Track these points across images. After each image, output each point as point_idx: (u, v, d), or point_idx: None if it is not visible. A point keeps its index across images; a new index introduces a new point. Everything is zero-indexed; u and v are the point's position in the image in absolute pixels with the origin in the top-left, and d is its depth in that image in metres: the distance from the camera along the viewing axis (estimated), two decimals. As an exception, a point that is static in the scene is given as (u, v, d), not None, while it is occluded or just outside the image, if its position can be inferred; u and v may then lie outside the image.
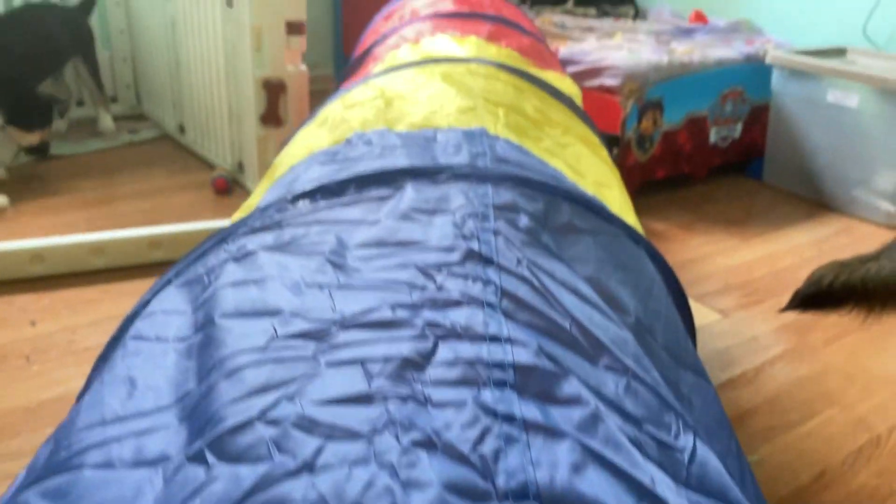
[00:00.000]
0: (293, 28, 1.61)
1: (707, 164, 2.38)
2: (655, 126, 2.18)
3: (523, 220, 0.70)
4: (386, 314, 0.55)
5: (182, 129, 2.45)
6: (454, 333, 0.53)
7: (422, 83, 1.11)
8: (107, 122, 2.53)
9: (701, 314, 1.57)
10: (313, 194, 0.75)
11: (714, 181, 2.40)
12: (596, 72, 2.13)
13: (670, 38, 2.47)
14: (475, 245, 0.64)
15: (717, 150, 2.38)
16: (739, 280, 1.76)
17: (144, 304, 0.69)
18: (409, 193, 0.74)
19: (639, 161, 2.18)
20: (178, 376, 0.53)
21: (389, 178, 0.77)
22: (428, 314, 0.55)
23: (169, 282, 0.70)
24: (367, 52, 1.52)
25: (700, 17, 2.74)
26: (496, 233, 0.66)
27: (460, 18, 1.52)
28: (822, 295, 1.06)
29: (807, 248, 1.95)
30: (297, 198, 0.75)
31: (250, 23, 1.58)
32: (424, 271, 0.60)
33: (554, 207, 0.76)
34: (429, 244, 0.65)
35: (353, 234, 0.67)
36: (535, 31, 1.75)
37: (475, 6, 1.62)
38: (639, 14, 2.92)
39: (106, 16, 2.62)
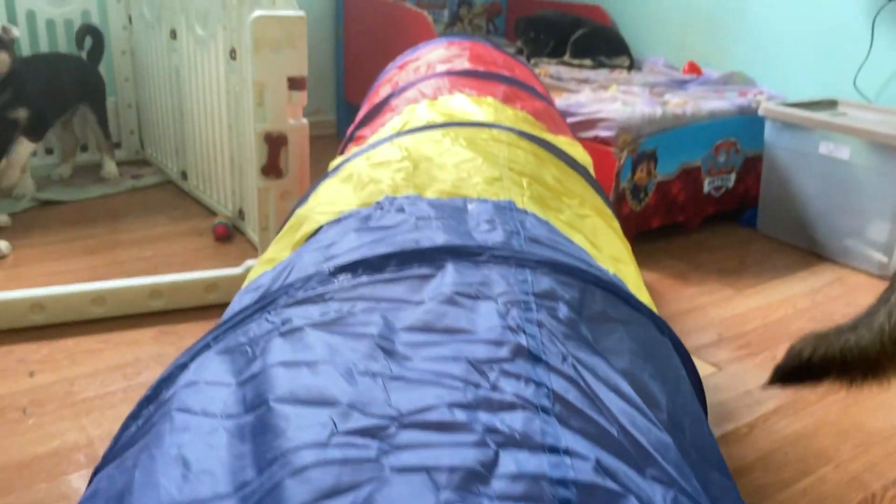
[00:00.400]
0: (295, 83, 1.64)
1: (701, 213, 2.41)
2: (650, 176, 2.21)
3: (563, 310, 0.70)
4: (444, 415, 0.55)
5: (185, 176, 2.49)
6: (513, 441, 0.53)
7: (447, 148, 1.13)
8: (111, 167, 2.57)
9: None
10: (355, 268, 0.75)
11: (708, 230, 2.42)
12: (591, 123, 2.17)
13: (664, 90, 2.52)
14: (523, 339, 0.64)
15: (711, 199, 2.41)
16: (733, 332, 1.78)
17: (181, 366, 0.69)
18: (451, 274, 0.74)
19: (633, 211, 2.21)
20: (233, 461, 0.53)
21: (430, 256, 0.76)
22: (484, 417, 0.55)
23: (208, 346, 0.70)
24: (385, 103, 1.54)
25: (694, 69, 2.79)
26: (540, 325, 0.67)
27: (476, 77, 1.53)
28: (802, 369, 1.07)
29: (800, 299, 1.97)
30: (338, 270, 0.75)
31: (252, 78, 1.62)
32: (476, 367, 0.60)
33: (588, 295, 0.76)
34: (477, 335, 0.65)
35: (398, 315, 0.67)
36: (546, 94, 1.78)
37: (490, 65, 1.64)
38: (634, 65, 2.98)
39: (112, 64, 2.68)
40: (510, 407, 0.56)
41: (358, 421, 0.54)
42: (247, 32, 1.62)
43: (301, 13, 1.63)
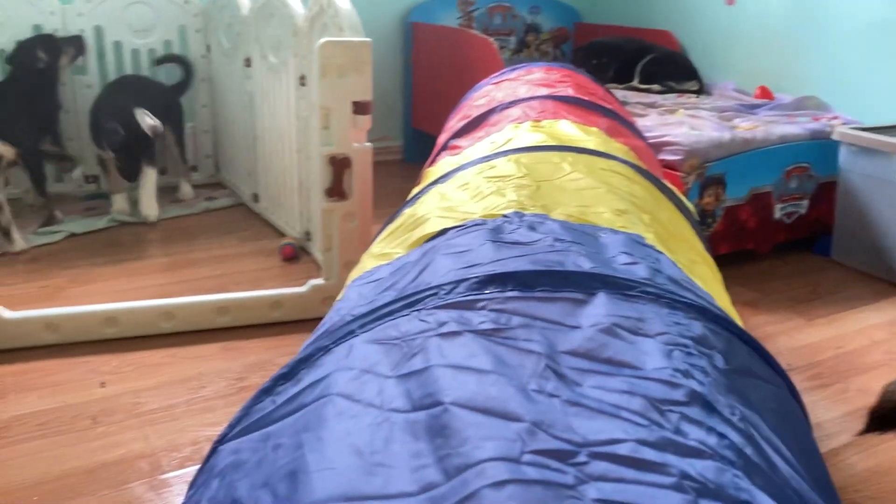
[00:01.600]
0: (360, 108, 1.68)
1: (771, 239, 2.33)
2: (718, 201, 2.17)
3: (719, 360, 0.68)
4: (634, 451, 0.53)
5: (256, 198, 2.57)
6: (708, 491, 0.51)
7: (566, 172, 1.11)
8: (187, 189, 2.68)
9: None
10: (504, 281, 0.74)
11: (779, 257, 2.35)
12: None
13: (734, 115, 2.47)
14: (695, 385, 0.62)
15: (782, 225, 2.34)
16: (803, 362, 1.71)
17: (322, 349, 0.69)
18: (604, 304, 0.72)
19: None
20: (410, 459, 0.52)
21: (581, 281, 0.75)
22: (674, 459, 0.53)
23: (352, 333, 0.70)
24: (484, 117, 1.54)
25: (766, 94, 2.73)
26: (705, 372, 0.65)
27: (579, 106, 1.51)
28: None
29: (876, 331, 1.88)
30: (488, 280, 0.73)
31: (319, 102, 1.67)
32: (655, 405, 0.58)
33: (732, 347, 0.73)
34: (645, 372, 0.63)
35: (556, 336, 0.66)
36: (642, 134, 1.76)
37: (591, 96, 1.62)
38: (703, 90, 2.93)
39: (191, 91, 2.80)
40: (697, 454, 0.54)
41: (545, 442, 0.53)
42: (315, 59, 1.67)
43: (367, 40, 1.67)
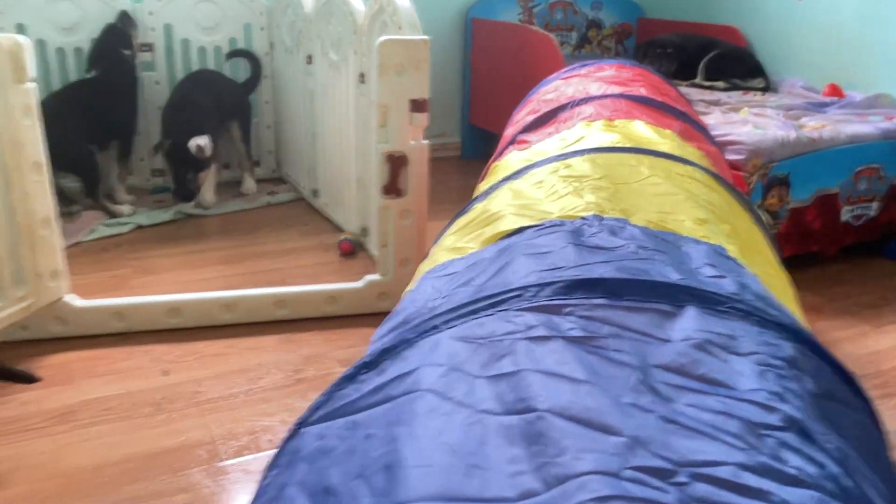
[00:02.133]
0: (417, 106, 1.70)
1: (838, 242, 2.26)
2: (782, 202, 2.11)
3: (809, 384, 0.66)
4: (734, 475, 0.52)
5: (315, 194, 2.61)
6: None
7: (645, 176, 1.10)
8: (250, 184, 2.75)
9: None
10: (592, 286, 0.72)
11: (846, 261, 2.27)
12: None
13: (801, 113, 2.39)
14: (791, 410, 0.60)
15: (850, 228, 2.26)
16: (869, 370, 1.65)
17: (406, 342, 0.69)
18: (694, 318, 0.70)
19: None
20: (508, 465, 0.52)
21: (669, 292, 0.73)
22: (774, 487, 0.52)
23: (436, 328, 0.70)
24: (554, 113, 1.52)
25: (836, 91, 2.64)
26: (799, 396, 0.63)
27: (652, 107, 1.48)
28: None
29: (950, 340, 1.80)
30: (575, 285, 0.72)
31: (377, 100, 1.68)
32: (752, 429, 0.57)
33: (821, 371, 0.71)
34: (739, 392, 0.61)
35: (647, 349, 0.65)
36: (714, 139, 1.72)
37: (666, 97, 1.59)
38: (769, 87, 2.85)
39: (257, 89, 2.86)
40: (797, 483, 0.53)
41: (645, 459, 0.52)
42: (374, 57, 1.69)
43: (425, 38, 1.68)
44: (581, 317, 0.68)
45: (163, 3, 2.64)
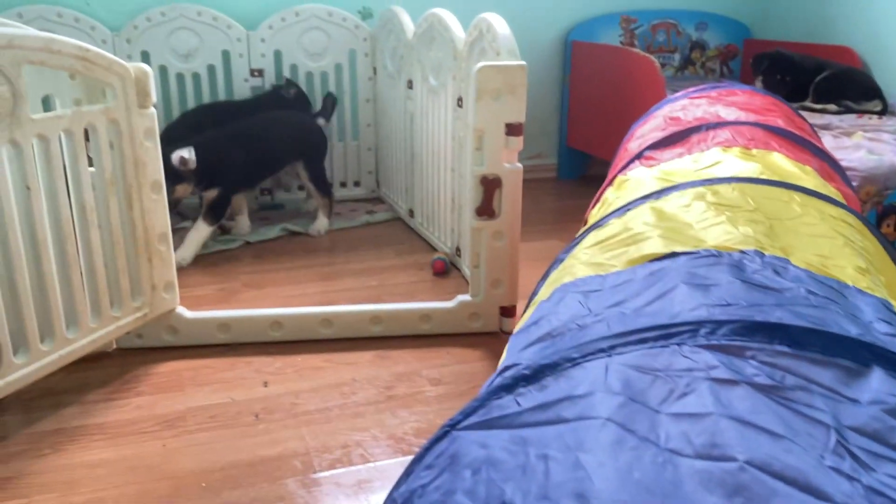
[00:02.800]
0: (512, 129, 1.72)
1: (962, 276, 2.12)
2: (897, 232, 2.00)
3: None
4: None
5: (412, 213, 2.67)
6: None
7: (798, 214, 1.05)
8: (320, 224, 2.63)
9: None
10: (772, 331, 0.69)
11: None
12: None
13: (921, 138, 2.27)
14: None
15: (976, 261, 2.12)
16: None
17: (569, 359, 0.69)
18: (881, 379, 0.66)
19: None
20: None
21: (851, 347, 0.69)
22: None
23: (602, 351, 0.69)
24: (685, 133, 1.50)
25: (960, 114, 2.49)
26: None
27: (787, 139, 1.43)
28: None
29: None
30: (756, 327, 0.69)
31: (473, 124, 1.72)
32: None
33: None
34: None
35: (838, 408, 0.61)
36: (851, 182, 1.66)
37: (801, 131, 1.55)
38: (887, 110, 2.71)
39: (357, 111, 2.96)
40: None
41: None
42: (472, 82, 1.73)
43: (522, 63, 1.70)
44: (764, 363, 0.65)
45: (274, 31, 2.78)
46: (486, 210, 1.76)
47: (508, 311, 1.86)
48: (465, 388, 1.61)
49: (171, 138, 2.34)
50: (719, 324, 0.69)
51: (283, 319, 1.81)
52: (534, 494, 0.54)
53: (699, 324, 0.70)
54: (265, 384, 1.63)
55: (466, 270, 2.15)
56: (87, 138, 1.53)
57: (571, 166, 3.44)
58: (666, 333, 0.69)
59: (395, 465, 1.35)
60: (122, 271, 1.63)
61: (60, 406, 1.53)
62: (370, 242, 2.55)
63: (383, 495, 1.26)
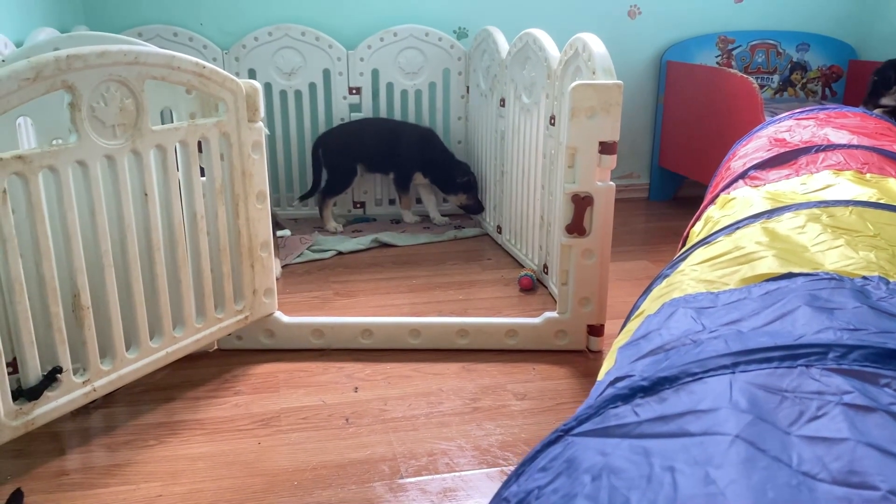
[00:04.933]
0: (606, 148, 1.72)
1: None
2: None
3: None
4: None
5: (499, 230, 2.70)
6: None
7: None
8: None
9: None
10: None
11: None
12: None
13: None
14: None
15: None
16: None
17: (691, 374, 0.69)
18: None
19: None
20: None
21: None
22: None
23: (726, 367, 0.69)
24: (794, 154, 1.48)
25: None
26: None
27: None
28: None
29: None
30: (888, 356, 0.67)
31: (566, 142, 1.73)
32: None
33: None
34: None
35: None
36: None
37: None
38: None
39: (449, 129, 3.02)
40: None
41: None
42: (566, 100, 1.75)
43: (618, 82, 1.71)
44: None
45: (372, 50, 2.88)
46: (576, 227, 1.77)
47: (596, 330, 1.85)
48: (551, 405, 1.62)
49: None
50: (850, 348, 0.67)
51: (373, 328, 1.86)
52: None
53: (828, 347, 0.68)
54: (356, 389, 1.68)
55: (553, 288, 2.16)
56: (199, 150, 1.63)
57: (663, 187, 3.40)
58: (792, 354, 0.67)
59: (480, 476, 1.37)
60: (226, 276, 1.72)
61: (165, 401, 1.62)
62: (458, 257, 2.59)
63: (468, 504, 1.28)
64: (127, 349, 1.54)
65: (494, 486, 1.34)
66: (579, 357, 1.84)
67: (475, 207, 2.86)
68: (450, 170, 2.84)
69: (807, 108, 1.79)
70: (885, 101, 2.78)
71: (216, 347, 1.84)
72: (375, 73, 2.91)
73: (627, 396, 0.68)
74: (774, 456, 0.55)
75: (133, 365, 1.55)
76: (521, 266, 2.45)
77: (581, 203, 1.76)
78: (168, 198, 1.57)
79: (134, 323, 1.54)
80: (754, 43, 3.33)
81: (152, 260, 1.55)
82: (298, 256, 2.52)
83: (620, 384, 0.72)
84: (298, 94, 2.88)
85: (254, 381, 1.71)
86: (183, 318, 1.65)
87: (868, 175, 1.30)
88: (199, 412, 1.58)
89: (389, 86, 2.94)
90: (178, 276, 1.62)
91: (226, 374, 1.74)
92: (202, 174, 1.65)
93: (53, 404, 1.40)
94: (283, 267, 2.42)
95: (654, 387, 0.68)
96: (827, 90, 3.42)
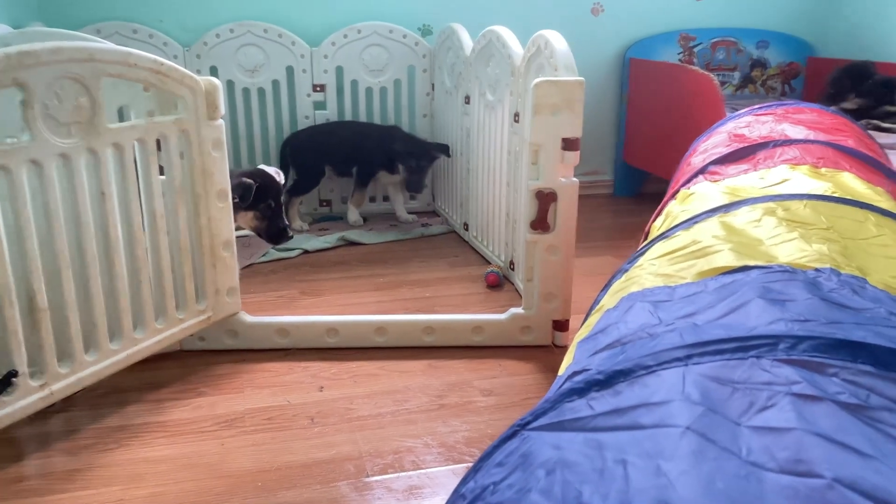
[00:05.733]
0: (569, 144, 1.73)
1: None
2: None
3: None
4: None
5: (466, 227, 2.70)
6: None
7: (873, 234, 1.04)
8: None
9: None
10: (855, 349, 0.67)
11: None
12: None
13: None
14: None
15: None
16: None
17: (644, 367, 0.69)
18: None
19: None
20: None
21: None
22: None
23: (678, 360, 0.69)
24: (751, 149, 1.49)
25: None
26: None
27: (858, 160, 1.42)
28: None
29: None
30: (839, 344, 0.68)
31: (530, 139, 1.74)
32: None
33: None
34: None
35: None
36: None
37: (873, 152, 1.53)
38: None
39: (414, 126, 3.01)
40: None
41: None
42: (529, 97, 1.75)
43: (580, 79, 1.72)
44: (847, 381, 0.63)
45: (336, 47, 2.86)
46: (540, 224, 1.78)
47: (561, 325, 1.86)
48: (517, 400, 1.62)
49: None
50: (799, 339, 0.68)
51: (339, 326, 1.85)
52: (614, 499, 0.54)
53: (778, 338, 0.69)
54: (321, 389, 1.67)
55: (519, 284, 2.17)
56: (158, 148, 1.60)
57: (627, 183, 3.43)
58: (743, 346, 0.68)
59: (447, 473, 1.37)
60: (188, 276, 1.69)
61: (125, 403, 1.60)
62: (424, 254, 2.58)
63: (434, 502, 1.28)
64: (86, 351, 1.51)
65: (460, 483, 1.34)
66: (545, 352, 1.84)
67: (413, 185, 2.83)
68: (405, 153, 2.80)
69: (765, 105, 1.81)
70: (846, 105, 2.84)
71: (179, 348, 1.81)
72: (340, 71, 2.90)
73: (583, 390, 0.68)
74: (724, 447, 0.56)
75: (92, 367, 1.52)
76: (488, 263, 2.45)
77: (545, 199, 1.76)
78: (126, 197, 1.54)
79: (93, 325, 1.51)
80: (715, 40, 3.38)
81: (111, 260, 1.53)
82: (263, 255, 2.50)
83: (577, 378, 0.72)
84: (262, 91, 2.85)
85: (217, 381, 1.69)
86: (144, 319, 1.62)
87: (823, 169, 1.32)
88: (160, 414, 1.56)
89: (354, 83, 2.92)
90: (138, 276, 1.59)
91: (188, 375, 1.72)
92: (162, 173, 1.63)
93: (9, 409, 1.36)
94: (247, 266, 2.39)
95: (609, 380, 0.68)
96: (786, 87, 3.48)
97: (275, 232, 1.94)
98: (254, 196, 2.03)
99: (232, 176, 1.84)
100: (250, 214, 1.96)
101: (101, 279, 1.51)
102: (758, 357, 0.66)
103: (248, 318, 1.84)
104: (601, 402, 0.66)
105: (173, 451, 1.43)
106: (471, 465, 1.37)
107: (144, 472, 1.36)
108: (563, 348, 1.86)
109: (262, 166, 2.06)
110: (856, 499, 0.50)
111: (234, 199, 1.84)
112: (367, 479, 1.35)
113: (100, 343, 1.53)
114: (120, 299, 1.55)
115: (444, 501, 1.28)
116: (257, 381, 1.70)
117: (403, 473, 1.37)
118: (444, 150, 2.78)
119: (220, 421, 1.53)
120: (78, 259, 1.47)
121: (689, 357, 0.68)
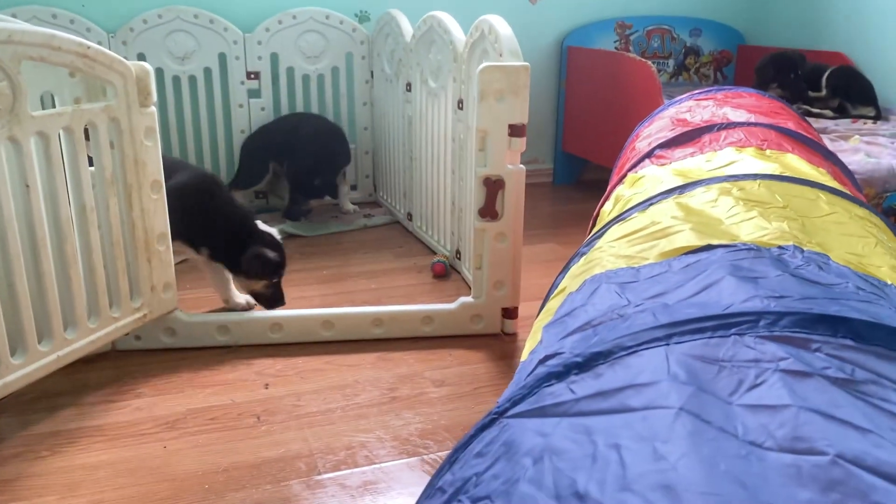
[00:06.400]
0: (515, 131, 1.71)
1: (960, 278, 2.13)
2: (896, 235, 2.01)
3: None
4: None
5: (410, 217, 2.66)
6: None
7: (827, 213, 1.04)
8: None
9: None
10: (835, 324, 0.66)
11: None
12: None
13: (917, 141, 2.28)
14: None
15: (974, 264, 2.13)
16: None
17: (625, 347, 0.67)
18: None
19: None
20: None
21: None
22: None
23: (658, 340, 0.68)
24: (695, 133, 1.50)
25: (955, 118, 2.50)
26: None
27: (799, 142, 1.43)
28: None
29: None
30: (817, 319, 0.67)
31: (476, 125, 1.71)
32: None
33: None
34: None
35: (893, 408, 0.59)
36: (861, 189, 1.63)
37: (810, 135, 1.54)
38: (880, 116, 2.73)
39: (353, 114, 2.95)
40: None
41: None
42: (474, 83, 1.72)
43: (525, 64, 1.70)
44: (831, 356, 0.63)
45: (270, 34, 2.77)
46: (488, 211, 1.75)
47: (511, 313, 1.85)
48: (469, 390, 1.60)
49: None
50: (780, 315, 0.67)
51: (283, 321, 1.79)
52: (612, 485, 0.51)
53: (759, 314, 0.68)
54: (266, 386, 1.61)
55: (466, 273, 2.14)
56: (87, 137, 1.51)
57: (567, 171, 3.45)
58: (724, 323, 0.67)
59: (401, 466, 1.33)
60: (121, 272, 1.61)
61: (57, 408, 1.51)
62: (368, 246, 2.53)
63: (389, 496, 1.24)
64: (12, 355, 1.41)
65: (415, 476, 1.31)
66: (495, 340, 1.83)
67: (292, 213, 2.73)
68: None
69: (705, 90, 1.83)
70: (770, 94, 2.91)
71: (112, 348, 1.72)
72: (275, 58, 2.81)
73: (561, 374, 0.66)
74: (720, 427, 0.55)
75: (19, 371, 1.42)
76: (434, 253, 2.42)
77: (493, 186, 1.74)
78: (53, 189, 1.45)
79: (19, 326, 1.41)
80: (650, 28, 3.42)
81: (38, 257, 1.43)
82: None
83: (552, 362, 0.70)
84: (193, 79, 2.74)
85: (156, 382, 1.61)
86: (75, 319, 1.53)
87: (768, 151, 1.34)
88: (96, 418, 1.47)
89: (290, 70, 2.84)
90: (68, 273, 1.50)
91: (125, 376, 1.63)
92: (90, 163, 1.53)
93: (-72, 419, 1.27)
94: (181, 261, 2.30)
95: (588, 362, 0.66)
96: (719, 74, 3.55)
97: (275, 300, 1.88)
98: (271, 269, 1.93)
99: (246, 233, 1.87)
100: (261, 283, 1.88)
101: (27, 277, 1.41)
102: (740, 334, 0.65)
103: (185, 316, 1.76)
104: (582, 385, 0.64)
105: (112, 457, 1.35)
106: (425, 457, 1.35)
107: (81, 480, 1.29)
108: (513, 335, 1.84)
109: (261, 224, 1.96)
110: (862, 474, 0.49)
111: (251, 269, 1.84)
112: (319, 477, 1.30)
113: (27, 345, 1.43)
114: (48, 298, 1.46)
115: (411, 496, 1.25)
116: (198, 380, 1.63)
117: (357, 469, 1.33)
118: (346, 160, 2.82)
119: (161, 423, 1.46)
120: (1, 257, 1.37)
121: (669, 336, 0.67)
